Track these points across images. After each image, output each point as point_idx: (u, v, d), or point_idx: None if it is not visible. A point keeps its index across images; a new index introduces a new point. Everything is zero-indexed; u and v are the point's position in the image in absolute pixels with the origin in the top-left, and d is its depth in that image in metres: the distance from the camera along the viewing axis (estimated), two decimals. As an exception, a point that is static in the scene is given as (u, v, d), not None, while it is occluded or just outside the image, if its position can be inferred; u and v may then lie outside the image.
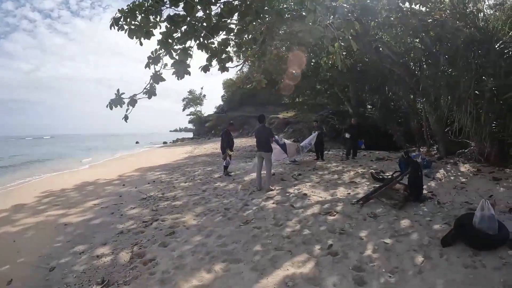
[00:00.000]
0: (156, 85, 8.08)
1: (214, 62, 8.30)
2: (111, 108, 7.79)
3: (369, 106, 22.26)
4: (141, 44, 7.59)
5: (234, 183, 9.46)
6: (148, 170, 14.25)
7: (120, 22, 7.09)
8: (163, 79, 8.07)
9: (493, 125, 9.37)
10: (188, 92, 72.50)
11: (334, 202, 6.63)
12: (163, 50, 7.82)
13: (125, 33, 7.11)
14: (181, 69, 8.17)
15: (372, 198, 6.15)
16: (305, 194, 7.31)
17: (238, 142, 31.24)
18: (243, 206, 6.91)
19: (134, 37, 7.18)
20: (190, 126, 77.01)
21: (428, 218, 5.36)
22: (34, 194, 9.80)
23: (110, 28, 7.12)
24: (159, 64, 8.01)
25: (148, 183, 10.54)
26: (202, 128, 59.20)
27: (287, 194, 7.59)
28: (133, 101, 7.78)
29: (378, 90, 16.32)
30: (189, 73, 8.25)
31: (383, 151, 15.41)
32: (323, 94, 24.33)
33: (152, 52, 8.02)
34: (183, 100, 72.77)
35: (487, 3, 10.41)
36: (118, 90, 7.76)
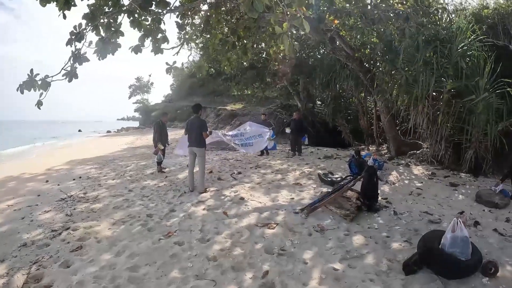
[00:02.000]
0: (78, 66, 6.87)
1: (148, 43, 7.24)
2: (21, 92, 6.48)
3: (318, 102, 21.83)
4: (64, 17, 6.31)
5: (166, 182, 8.35)
6: (80, 163, 13.01)
7: None
8: (86, 59, 6.84)
9: (450, 127, 8.92)
10: (135, 79, 70.20)
11: (275, 209, 5.66)
12: (89, 25, 6.65)
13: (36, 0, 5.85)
14: (106, 48, 6.99)
15: (319, 206, 5.22)
16: (242, 198, 6.31)
17: (182, 133, 30.01)
18: (169, 212, 5.83)
19: (47, 5, 5.96)
20: (137, 114, 74.55)
21: (384, 234, 4.58)
22: None
23: None
24: (82, 42, 6.82)
25: (74, 179, 9.33)
26: (149, 117, 57.19)
27: (222, 197, 6.59)
28: (44, 84, 6.50)
29: (329, 85, 15.65)
30: (112, 53, 7.11)
31: (331, 148, 14.84)
32: (273, 87, 23.71)
33: (74, 27, 6.76)
34: (130, 87, 70.33)
35: (449, 6, 10.04)
36: (31, 71, 6.46)
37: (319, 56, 17.97)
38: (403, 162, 9.94)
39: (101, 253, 4.24)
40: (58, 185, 8.67)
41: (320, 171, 8.26)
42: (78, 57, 6.63)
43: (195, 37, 8.94)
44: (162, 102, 63.68)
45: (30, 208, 6.51)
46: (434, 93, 8.98)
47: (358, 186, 5.81)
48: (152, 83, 70.62)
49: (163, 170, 9.76)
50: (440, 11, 9.92)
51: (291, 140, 13.02)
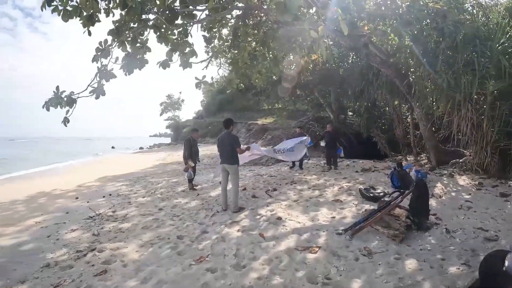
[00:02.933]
0: (105, 83, 6.75)
1: (176, 57, 7.08)
2: (47, 109, 6.40)
3: (350, 113, 21.25)
4: (89, 34, 6.22)
5: (198, 200, 8.06)
6: (111, 180, 13.09)
7: (54, 3, 5.75)
8: (113, 76, 6.73)
9: (495, 132, 8.20)
10: (166, 96, 71.31)
11: (315, 230, 5.20)
12: (115, 41, 6.55)
13: (58, 15, 5.76)
14: (132, 63, 6.85)
15: (364, 226, 4.74)
16: (279, 218, 5.87)
17: (215, 149, 29.99)
18: (200, 233, 5.47)
19: (69, 20, 5.86)
20: (169, 131, 75.58)
21: (439, 256, 4.05)
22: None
23: (42, 10, 5.82)
24: (108, 58, 6.72)
25: (103, 197, 9.28)
26: (180, 133, 57.73)
27: (258, 217, 6.17)
28: (70, 101, 6.42)
29: (361, 94, 15.09)
30: (140, 68, 6.96)
31: (367, 160, 14.22)
32: (304, 100, 23.33)
33: (100, 43, 6.67)
34: (161, 104, 71.45)
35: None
36: (57, 88, 6.38)
37: (348, 66, 17.46)
38: (446, 172, 9.26)
39: (126, 280, 3.94)
40: (88, 202, 8.66)
41: (361, 186, 7.70)
42: (104, 74, 6.53)
43: (223, 51, 8.71)
44: (193, 119, 64.20)
45: (57, 226, 6.44)
46: (476, 96, 8.32)
47: (405, 202, 5.31)
48: (182, 100, 71.48)
49: (194, 187, 9.50)
50: (475, 7, 9.29)
51: (326, 153, 12.52)
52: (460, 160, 9.89)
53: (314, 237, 4.86)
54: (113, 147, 58.11)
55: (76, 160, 29.13)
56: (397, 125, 14.68)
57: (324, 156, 13.96)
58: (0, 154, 38.84)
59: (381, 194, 6.74)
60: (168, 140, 69.25)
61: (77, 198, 9.41)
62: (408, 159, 13.24)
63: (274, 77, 19.05)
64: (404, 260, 3.97)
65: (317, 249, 4.37)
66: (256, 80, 9.53)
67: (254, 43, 9.29)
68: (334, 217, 5.84)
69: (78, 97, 6.45)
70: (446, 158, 10.42)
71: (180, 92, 77.19)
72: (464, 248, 4.22)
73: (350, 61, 17.66)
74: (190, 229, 5.74)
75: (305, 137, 10.33)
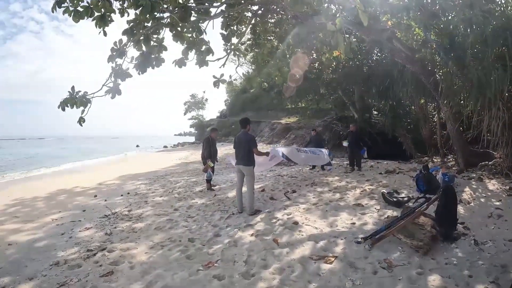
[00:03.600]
0: (120, 82, 6.67)
1: (192, 56, 6.93)
2: (63, 109, 6.37)
3: (374, 112, 20.71)
4: (105, 34, 6.11)
5: (215, 200, 7.88)
6: (131, 178, 13.20)
7: (64, 4, 5.67)
8: (128, 75, 6.64)
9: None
10: (190, 96, 71.62)
11: (333, 237, 4.89)
12: (130, 40, 6.45)
13: (69, 16, 5.67)
14: (146, 62, 6.75)
15: (386, 235, 4.40)
16: (296, 223, 5.58)
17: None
18: (213, 237, 5.27)
19: (81, 20, 5.75)
20: (193, 130, 75.89)
21: (466, 272, 3.67)
22: (4, 202, 9.10)
23: (52, 11, 5.75)
24: (124, 58, 6.65)
25: (121, 195, 9.37)
26: (203, 132, 58.03)
27: (274, 220, 5.90)
28: (83, 101, 6.37)
29: (386, 93, 14.56)
30: (155, 67, 6.85)
31: (391, 161, 13.81)
32: (327, 98, 22.94)
33: (115, 43, 6.59)
34: (185, 104, 71.82)
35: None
36: (72, 88, 6.33)
37: (372, 64, 16.97)
38: (474, 175, 8.72)
39: (131, 282, 3.82)
40: (105, 200, 8.72)
41: (384, 190, 7.30)
42: (119, 73, 6.44)
43: (245, 50, 8.48)
44: (216, 118, 64.43)
45: (72, 224, 6.50)
46: (507, 94, 7.88)
47: (431, 209, 4.94)
48: (206, 99, 71.57)
49: (212, 187, 9.35)
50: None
51: (349, 154, 12.15)
52: (490, 163, 9.36)
53: (331, 245, 4.56)
54: (137, 146, 58.91)
55: (100, 159, 29.82)
56: (423, 125, 14.18)
57: (347, 157, 13.59)
58: (30, 152, 40.19)
59: (405, 198, 6.35)
60: (192, 139, 69.60)
61: (95, 196, 9.51)
62: (435, 160, 12.73)
63: (296, 75, 18.79)
64: (427, 276, 3.63)
65: (333, 259, 4.07)
66: (276, 78, 9.18)
67: (274, 40, 9.02)
68: (354, 223, 5.49)
69: (92, 97, 6.40)
70: (475, 160, 9.88)
71: (204, 92, 77.09)
72: (493, 264, 3.82)
73: (374, 58, 17.23)
74: (203, 232, 5.57)
75: (323, 150, 10.28)
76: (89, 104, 6.37)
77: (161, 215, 6.86)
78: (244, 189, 6.78)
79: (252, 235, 5.21)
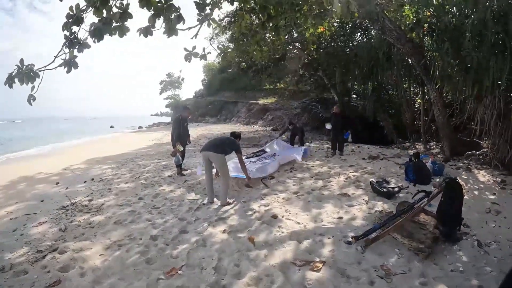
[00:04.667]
0: (77, 53, 5.82)
1: (160, 24, 6.08)
2: (10, 86, 5.48)
3: (353, 96, 20.20)
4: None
5: (184, 188, 7.14)
6: (99, 162, 12.37)
7: None
8: (86, 46, 5.77)
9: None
10: (166, 74, 70.30)
11: (319, 235, 4.21)
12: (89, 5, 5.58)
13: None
14: (105, 29, 5.92)
15: (381, 236, 3.73)
16: (275, 216, 4.86)
17: (214, 128, 29.31)
18: (179, 233, 4.54)
19: None
20: (169, 110, 74.69)
21: (475, 281, 3.11)
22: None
23: None
24: (81, 26, 5.78)
25: (85, 182, 8.62)
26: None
27: (250, 212, 5.19)
28: (30, 75, 5.49)
29: (370, 76, 13.94)
30: (120, 35, 6.05)
31: (372, 146, 13.27)
32: (307, 80, 22.29)
33: (70, 8, 5.67)
34: (161, 83, 70.45)
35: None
36: (21, 61, 5.41)
37: (356, 44, 16.38)
38: (462, 165, 8.29)
39: None
40: (67, 188, 7.97)
41: (372, 179, 6.58)
42: (74, 43, 5.54)
43: (222, 27, 7.63)
44: (193, 98, 63.30)
45: (26, 218, 5.79)
46: (499, 82, 7.24)
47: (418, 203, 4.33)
48: (183, 79, 70.37)
49: (183, 172, 8.55)
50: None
51: (331, 137, 11.33)
52: (477, 153, 8.90)
53: (317, 246, 3.87)
54: (112, 127, 57.21)
55: (72, 141, 28.63)
56: (405, 110, 13.65)
57: (328, 140, 12.99)
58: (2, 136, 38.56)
59: (396, 189, 5.70)
60: (168, 119, 68.42)
61: (57, 183, 8.77)
62: (417, 147, 12.24)
63: (275, 54, 18.09)
64: (432, 286, 3.02)
65: (320, 265, 3.37)
66: (254, 53, 8.32)
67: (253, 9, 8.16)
68: (341, 218, 4.80)
69: (41, 70, 5.51)
70: (461, 149, 9.41)
71: (181, 71, 75.79)
72: (502, 270, 3.24)
73: (357, 39, 16.70)
74: (167, 227, 4.84)
75: (300, 151, 9.69)
76: (37, 79, 5.48)
77: (124, 205, 6.12)
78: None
79: (224, 231, 4.48)
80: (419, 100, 14.01)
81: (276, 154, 9.40)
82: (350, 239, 3.91)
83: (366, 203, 5.43)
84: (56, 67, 5.54)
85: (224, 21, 18.10)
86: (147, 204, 6.08)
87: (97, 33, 5.52)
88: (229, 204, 5.69)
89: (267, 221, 4.74)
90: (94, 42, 5.68)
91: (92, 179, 8.86)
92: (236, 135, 6.41)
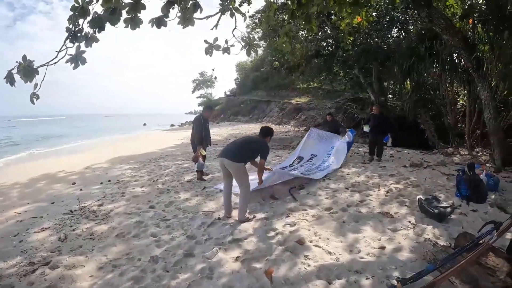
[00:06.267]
0: (86, 48, 5.25)
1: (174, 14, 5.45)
2: (11, 84, 4.94)
3: (389, 95, 19.02)
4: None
5: (202, 195, 6.46)
6: (122, 161, 12.13)
7: None
8: (95, 39, 5.18)
9: None
10: (199, 73, 70.78)
11: (355, 273, 3.27)
12: None
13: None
14: (110, 17, 5.31)
15: (437, 282, 2.71)
16: (301, 242, 3.95)
17: (245, 128, 28.89)
18: (182, 257, 3.79)
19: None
20: (201, 108, 75.70)
21: None
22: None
23: None
24: (87, 18, 5.22)
25: (101, 183, 8.31)
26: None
27: (271, 233, 4.34)
28: (27, 72, 4.94)
29: (410, 73, 12.76)
30: (133, 28, 5.46)
31: (412, 150, 12.25)
32: (342, 78, 21.38)
33: (76, 1, 5.09)
34: (193, 81, 70.93)
35: None
36: (24, 57, 4.85)
37: (394, 39, 15.43)
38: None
39: None
40: (81, 190, 7.73)
41: (420, 196, 5.36)
42: (78, 37, 4.93)
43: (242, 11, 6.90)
44: (225, 96, 63.38)
45: (31, 221, 5.59)
46: None
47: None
48: (215, 78, 70.70)
49: (204, 177, 7.88)
50: None
51: (370, 140, 10.28)
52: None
53: (352, 289, 2.97)
54: (144, 124, 58.17)
55: (103, 138, 29.66)
56: (448, 112, 12.42)
57: (364, 143, 12.01)
58: (42, 133, 39.79)
59: (448, 209, 4.66)
60: (200, 118, 69.33)
61: (74, 183, 8.58)
62: (462, 153, 11.02)
63: (308, 52, 17.40)
64: None
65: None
66: (284, 45, 7.45)
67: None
68: (383, 248, 3.79)
69: (43, 66, 4.94)
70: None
71: (213, 69, 76.29)
72: None
73: (395, 35, 15.76)
74: (173, 246, 4.14)
75: (339, 137, 9.36)
76: (37, 76, 4.89)
77: (132, 214, 5.58)
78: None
79: (237, 259, 3.67)
80: (461, 101, 12.93)
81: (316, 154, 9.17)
82: (395, 283, 2.87)
83: (413, 227, 4.41)
84: (56, 61, 4.97)
85: (255, 17, 17.43)
86: (157, 214, 5.46)
87: (97, 22, 4.86)
88: (248, 220, 4.88)
89: (291, 247, 3.86)
90: (94, 32, 5.05)
91: (109, 181, 8.52)
92: (266, 132, 5.35)
